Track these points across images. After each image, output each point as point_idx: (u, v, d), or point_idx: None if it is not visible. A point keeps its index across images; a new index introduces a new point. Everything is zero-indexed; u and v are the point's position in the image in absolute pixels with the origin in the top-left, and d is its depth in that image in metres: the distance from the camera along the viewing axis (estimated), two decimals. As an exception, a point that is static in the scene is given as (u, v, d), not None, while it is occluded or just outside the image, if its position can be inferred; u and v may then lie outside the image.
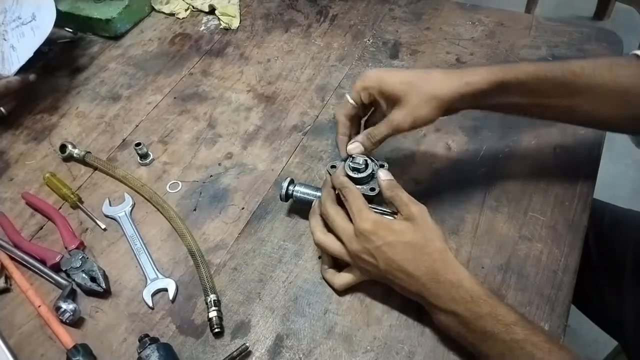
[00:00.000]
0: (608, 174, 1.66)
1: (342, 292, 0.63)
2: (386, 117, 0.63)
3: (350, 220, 0.59)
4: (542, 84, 0.61)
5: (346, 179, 0.62)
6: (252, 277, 0.66)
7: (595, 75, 0.60)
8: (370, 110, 0.69)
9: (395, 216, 0.60)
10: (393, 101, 0.62)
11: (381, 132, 0.63)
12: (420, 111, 0.61)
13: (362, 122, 0.71)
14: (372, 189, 0.63)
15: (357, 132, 0.69)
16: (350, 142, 0.65)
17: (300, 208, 0.71)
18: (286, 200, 0.70)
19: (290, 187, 0.69)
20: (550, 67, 0.62)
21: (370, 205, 0.60)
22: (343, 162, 0.65)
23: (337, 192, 0.63)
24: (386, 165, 0.65)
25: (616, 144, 1.87)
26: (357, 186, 0.62)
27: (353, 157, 0.64)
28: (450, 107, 0.62)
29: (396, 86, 0.61)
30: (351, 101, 0.65)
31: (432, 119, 0.62)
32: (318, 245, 0.63)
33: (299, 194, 0.69)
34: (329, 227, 0.62)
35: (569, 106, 0.63)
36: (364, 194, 0.61)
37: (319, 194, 0.68)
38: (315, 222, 0.64)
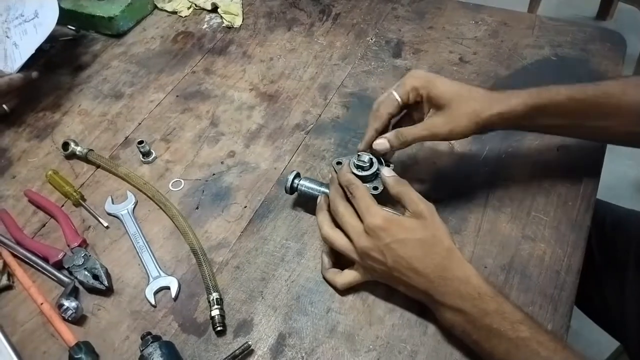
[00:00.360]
0: (610, 174, 1.65)
1: (344, 291, 0.63)
2: (423, 120, 0.64)
3: (359, 217, 0.59)
4: (577, 106, 0.63)
5: (352, 176, 0.62)
6: (255, 276, 0.66)
7: (626, 95, 0.62)
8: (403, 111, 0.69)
9: (402, 215, 0.59)
10: (436, 107, 0.63)
11: (414, 133, 0.63)
12: (460, 123, 0.61)
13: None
14: (375, 188, 0.63)
15: (386, 131, 0.67)
16: (379, 137, 0.65)
17: (305, 203, 0.71)
18: (291, 194, 0.70)
19: (296, 181, 0.69)
20: (584, 88, 0.63)
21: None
22: (349, 159, 0.65)
23: (343, 189, 0.63)
24: (392, 165, 0.65)
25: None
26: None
27: (359, 155, 0.64)
28: (486, 125, 0.63)
29: (445, 93, 0.62)
30: (398, 98, 0.64)
31: (468, 133, 0.63)
32: (325, 240, 0.63)
33: (303, 188, 0.69)
34: (336, 223, 0.62)
35: (603, 127, 0.65)
36: None
37: (323, 189, 0.68)
38: (323, 217, 0.64)
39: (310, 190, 0.69)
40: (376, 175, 0.64)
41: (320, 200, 0.66)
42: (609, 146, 0.76)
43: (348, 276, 0.62)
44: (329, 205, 0.64)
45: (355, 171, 0.63)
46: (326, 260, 0.64)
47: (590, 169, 0.73)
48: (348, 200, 0.62)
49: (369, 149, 0.65)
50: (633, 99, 0.62)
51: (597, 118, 0.64)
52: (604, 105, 0.63)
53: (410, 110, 0.67)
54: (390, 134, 0.64)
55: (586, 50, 0.89)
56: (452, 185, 0.73)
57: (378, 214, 0.58)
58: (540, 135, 0.77)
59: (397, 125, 0.67)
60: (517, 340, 0.51)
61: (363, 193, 0.60)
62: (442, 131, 0.62)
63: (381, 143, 0.64)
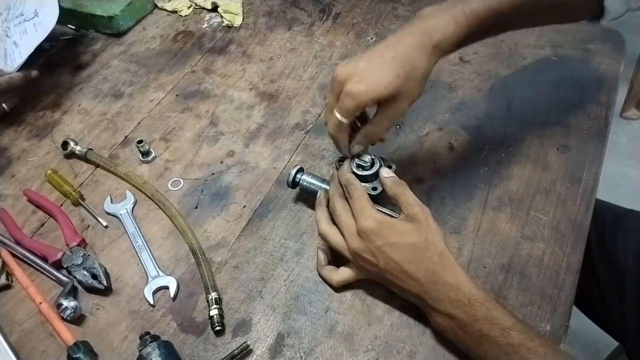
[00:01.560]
0: (610, 174, 1.65)
1: (339, 289, 0.63)
2: (382, 111, 0.61)
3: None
4: (501, 17, 0.61)
5: (352, 175, 0.62)
6: (254, 276, 0.66)
7: None
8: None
9: (398, 216, 0.59)
10: (388, 100, 0.60)
11: (380, 126, 0.62)
12: (415, 93, 0.60)
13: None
14: (374, 188, 0.63)
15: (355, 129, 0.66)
16: (352, 144, 0.64)
17: (306, 198, 0.72)
18: (293, 188, 0.70)
19: (298, 175, 0.69)
20: None
21: (374, 205, 0.60)
22: (350, 159, 0.65)
23: (343, 187, 0.63)
24: (393, 166, 0.65)
25: (619, 145, 1.87)
26: (361, 184, 0.62)
27: (360, 155, 0.64)
28: (433, 69, 0.61)
29: (389, 90, 0.58)
30: (345, 121, 0.61)
31: (424, 88, 0.61)
32: (321, 235, 0.63)
33: (305, 183, 0.69)
34: (335, 220, 0.62)
35: (531, 22, 0.69)
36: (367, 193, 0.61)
37: (324, 185, 0.68)
38: (322, 213, 0.64)
39: (312, 186, 0.69)
40: (377, 175, 0.64)
41: (320, 195, 0.66)
42: (609, 147, 0.76)
43: (343, 274, 0.62)
44: (328, 202, 0.64)
45: (355, 170, 0.63)
46: (322, 257, 0.64)
47: (590, 168, 0.73)
48: (347, 199, 0.62)
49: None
50: None
51: (540, 13, 0.65)
52: (530, 7, 0.62)
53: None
54: (359, 138, 0.63)
55: (587, 50, 0.88)
56: (451, 185, 0.72)
57: (371, 217, 0.57)
58: (540, 135, 0.77)
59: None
60: (506, 347, 0.51)
61: (360, 194, 0.60)
62: (404, 110, 0.61)
63: (357, 148, 0.64)
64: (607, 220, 0.85)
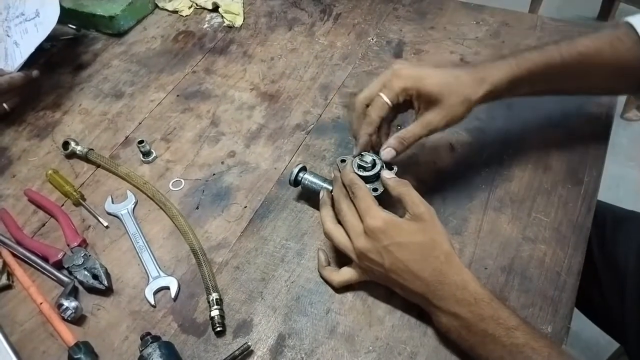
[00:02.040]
0: (611, 175, 1.65)
1: (340, 289, 0.63)
2: (420, 117, 0.63)
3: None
4: (554, 71, 0.65)
5: (355, 175, 0.62)
6: (255, 276, 0.66)
7: (601, 55, 0.66)
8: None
9: (403, 217, 0.59)
10: (428, 102, 0.63)
11: (415, 134, 0.63)
12: (456, 112, 0.62)
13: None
14: (375, 190, 0.63)
15: (384, 133, 0.68)
16: (383, 147, 0.64)
17: (308, 197, 0.72)
18: (295, 186, 0.70)
19: (301, 174, 0.69)
20: (558, 51, 0.65)
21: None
22: (352, 159, 0.65)
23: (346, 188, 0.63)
24: (395, 168, 0.65)
25: (620, 146, 1.87)
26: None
27: (362, 155, 0.64)
28: (476, 105, 0.64)
29: (435, 88, 0.61)
30: (389, 102, 0.63)
31: (463, 118, 0.64)
32: (327, 235, 0.63)
33: (307, 182, 0.69)
34: (340, 220, 0.62)
35: (579, 87, 0.71)
36: None
37: (326, 184, 0.68)
38: (327, 212, 0.64)
39: (314, 185, 0.69)
40: (378, 176, 0.64)
41: (324, 195, 0.66)
42: (611, 149, 0.76)
43: (345, 274, 0.62)
44: (332, 201, 0.64)
45: (357, 171, 0.63)
46: (322, 257, 0.64)
47: (591, 170, 0.73)
48: (352, 199, 0.62)
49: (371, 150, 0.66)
50: (609, 57, 0.66)
51: (575, 79, 0.68)
52: (579, 65, 0.65)
53: (407, 108, 0.67)
54: (393, 142, 0.64)
55: (588, 51, 0.88)
56: (452, 186, 0.72)
57: (378, 216, 0.57)
58: (542, 136, 0.77)
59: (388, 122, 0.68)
60: (511, 347, 0.51)
61: (364, 194, 0.60)
62: (439, 125, 0.63)
63: (388, 152, 0.64)
64: (607, 222, 0.85)
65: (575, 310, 0.86)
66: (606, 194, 0.83)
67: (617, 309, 0.82)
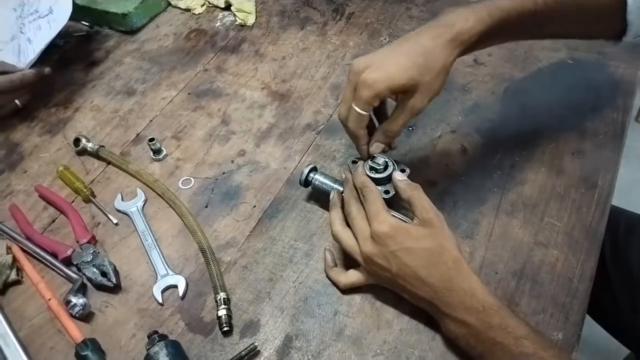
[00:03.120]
0: (624, 180, 1.62)
1: (347, 291, 0.63)
2: (401, 105, 0.61)
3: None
4: (528, 19, 0.61)
5: (367, 178, 0.62)
6: (263, 276, 0.65)
7: None
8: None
9: (411, 221, 0.58)
10: (405, 92, 0.60)
11: (399, 123, 0.62)
12: (435, 86, 0.59)
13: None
14: (387, 192, 0.63)
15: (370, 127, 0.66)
16: (371, 143, 0.64)
17: (318, 197, 0.72)
18: (305, 186, 0.70)
19: (311, 174, 0.69)
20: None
21: (388, 210, 0.59)
22: (364, 160, 0.64)
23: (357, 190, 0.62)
24: (407, 170, 0.64)
25: (634, 150, 1.84)
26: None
27: (374, 157, 0.64)
28: (452, 64, 0.61)
29: (406, 79, 0.58)
30: (363, 113, 0.60)
31: (445, 84, 0.61)
32: (334, 237, 0.62)
33: (317, 182, 0.69)
34: (349, 223, 0.62)
35: (553, 32, 0.69)
36: None
37: (337, 185, 0.67)
38: (336, 214, 0.63)
39: (324, 185, 0.69)
40: (390, 178, 0.63)
41: (334, 197, 0.65)
42: (624, 152, 0.74)
43: (351, 277, 0.62)
44: (342, 203, 0.64)
45: (369, 173, 0.63)
46: (329, 258, 0.64)
47: (605, 174, 0.71)
48: (362, 202, 0.61)
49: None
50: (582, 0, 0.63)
51: (549, 24, 0.65)
52: (554, 12, 0.62)
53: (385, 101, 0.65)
54: (378, 136, 0.63)
55: (603, 54, 0.87)
56: (464, 189, 0.72)
57: (386, 221, 0.57)
58: (555, 140, 0.76)
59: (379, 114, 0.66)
60: (520, 356, 0.50)
61: (375, 197, 0.59)
62: (423, 106, 0.60)
63: (376, 146, 0.63)
64: (620, 227, 0.84)
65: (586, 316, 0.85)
66: (619, 198, 0.81)
67: (629, 315, 0.81)
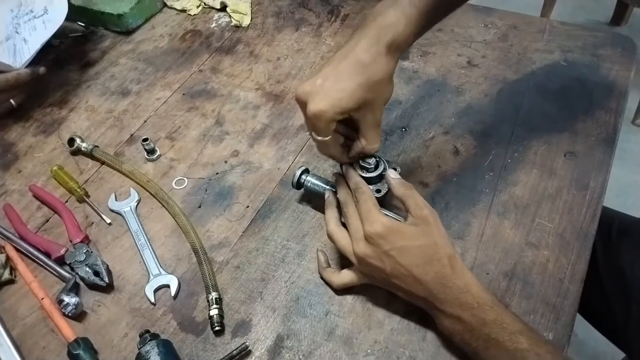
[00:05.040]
0: (620, 182, 1.63)
1: (341, 292, 0.63)
2: (360, 124, 0.59)
3: None
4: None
5: (360, 179, 0.62)
6: (255, 276, 0.66)
7: None
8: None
9: (403, 220, 0.59)
10: (358, 110, 0.57)
11: (372, 138, 0.60)
12: (383, 97, 0.58)
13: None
14: (378, 191, 0.63)
15: (349, 134, 0.64)
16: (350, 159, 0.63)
17: (311, 199, 0.72)
18: (298, 189, 0.70)
19: (303, 176, 0.69)
20: None
21: (381, 209, 0.59)
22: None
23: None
24: (398, 169, 0.64)
25: (630, 153, 1.85)
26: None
27: (365, 157, 0.64)
28: (395, 68, 0.58)
29: (352, 103, 0.56)
30: (325, 139, 0.59)
31: (392, 88, 0.59)
32: (329, 236, 0.63)
33: (310, 184, 0.69)
34: (344, 222, 0.62)
35: None
36: None
37: (329, 187, 0.68)
38: (331, 214, 0.63)
39: (316, 187, 0.69)
40: (381, 177, 0.63)
41: (329, 196, 0.65)
42: (619, 155, 0.75)
43: (345, 277, 0.62)
44: (338, 202, 0.64)
45: (360, 173, 0.63)
46: (322, 258, 0.64)
47: (597, 176, 0.72)
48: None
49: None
50: None
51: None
52: None
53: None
54: (354, 155, 0.62)
55: (597, 56, 0.87)
56: (456, 190, 0.72)
57: (378, 221, 0.57)
58: (548, 141, 0.76)
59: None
60: (514, 352, 0.51)
61: (367, 198, 0.59)
62: (379, 115, 0.59)
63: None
64: (613, 229, 0.84)
65: (580, 318, 0.85)
66: (615, 201, 0.82)
67: (622, 317, 0.81)
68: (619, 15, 2.33)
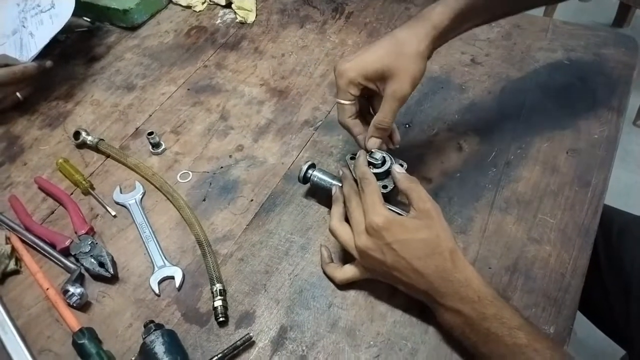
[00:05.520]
0: (622, 182, 1.64)
1: (344, 286, 0.63)
2: (385, 95, 0.62)
3: None
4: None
5: (367, 169, 0.62)
6: (259, 269, 0.66)
7: None
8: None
9: (408, 214, 0.59)
10: (383, 79, 0.61)
11: (387, 112, 0.62)
12: (414, 70, 0.60)
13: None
14: (385, 187, 0.63)
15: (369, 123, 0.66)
16: (366, 138, 0.64)
17: (316, 193, 0.73)
18: (304, 183, 0.70)
19: (310, 171, 0.70)
20: None
21: (385, 203, 0.59)
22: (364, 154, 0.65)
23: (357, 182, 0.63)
24: (405, 165, 0.65)
25: (631, 154, 1.85)
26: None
27: (372, 152, 0.64)
28: (431, 52, 0.63)
29: (378, 64, 0.60)
30: (345, 102, 0.63)
31: (424, 71, 0.62)
32: (331, 231, 0.63)
33: (316, 179, 0.69)
34: (347, 218, 0.62)
35: (522, 6, 0.71)
36: None
37: (336, 182, 0.68)
38: (337, 209, 0.64)
39: (323, 182, 0.69)
40: (388, 173, 0.64)
41: (336, 192, 0.66)
42: (622, 156, 0.76)
43: (347, 272, 0.62)
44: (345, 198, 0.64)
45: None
46: (325, 254, 0.65)
47: (599, 173, 0.72)
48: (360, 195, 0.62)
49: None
50: None
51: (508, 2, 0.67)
52: None
53: (371, 93, 0.66)
54: (371, 130, 0.64)
55: (599, 55, 0.88)
56: (459, 185, 0.72)
57: (381, 214, 0.57)
58: (550, 139, 0.77)
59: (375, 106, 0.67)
60: (513, 347, 0.51)
61: (372, 190, 0.60)
62: (405, 90, 0.61)
63: (373, 142, 0.64)
64: (614, 227, 0.85)
65: (581, 316, 0.86)
66: (617, 201, 0.82)
67: (622, 314, 0.81)
68: (621, 17, 2.33)
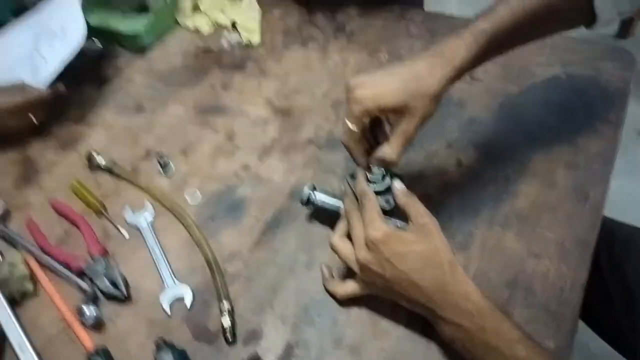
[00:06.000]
0: (629, 195, 1.62)
1: (347, 303, 0.65)
2: (394, 130, 0.63)
3: None
4: (509, 33, 0.64)
5: (367, 186, 0.64)
6: (265, 287, 0.68)
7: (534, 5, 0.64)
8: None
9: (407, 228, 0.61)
10: (396, 113, 0.62)
11: (394, 149, 0.63)
12: (426, 111, 0.61)
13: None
14: (387, 201, 0.64)
15: (372, 144, 0.68)
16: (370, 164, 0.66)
17: (319, 215, 0.74)
18: (306, 205, 0.72)
19: (311, 193, 0.71)
20: (510, 12, 0.63)
21: (385, 218, 0.61)
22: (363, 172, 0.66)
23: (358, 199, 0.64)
24: (403, 177, 0.66)
25: (637, 166, 1.84)
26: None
27: (371, 169, 0.66)
28: (447, 90, 0.63)
29: (396, 100, 0.61)
30: (355, 129, 0.64)
31: (435, 111, 0.63)
32: (332, 247, 0.65)
33: (317, 201, 0.71)
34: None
35: (535, 36, 0.70)
36: None
37: (339, 203, 0.70)
38: (341, 226, 0.66)
39: (324, 204, 0.71)
40: (388, 189, 0.65)
41: (344, 210, 0.67)
42: (627, 168, 0.77)
43: (348, 287, 0.64)
44: None
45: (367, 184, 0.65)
46: (326, 271, 0.67)
47: (597, 186, 0.74)
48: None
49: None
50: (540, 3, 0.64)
51: (532, 30, 0.67)
52: (544, 14, 0.64)
53: (378, 122, 0.67)
54: (374, 159, 0.65)
55: (597, 69, 0.89)
56: (458, 201, 0.74)
57: (380, 228, 0.59)
58: (548, 153, 0.78)
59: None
60: None
61: (371, 205, 0.61)
62: (415, 130, 0.62)
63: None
64: (617, 239, 0.86)
65: (584, 325, 0.87)
66: (622, 213, 0.83)
67: (627, 326, 0.82)
68: (625, 29, 2.33)
